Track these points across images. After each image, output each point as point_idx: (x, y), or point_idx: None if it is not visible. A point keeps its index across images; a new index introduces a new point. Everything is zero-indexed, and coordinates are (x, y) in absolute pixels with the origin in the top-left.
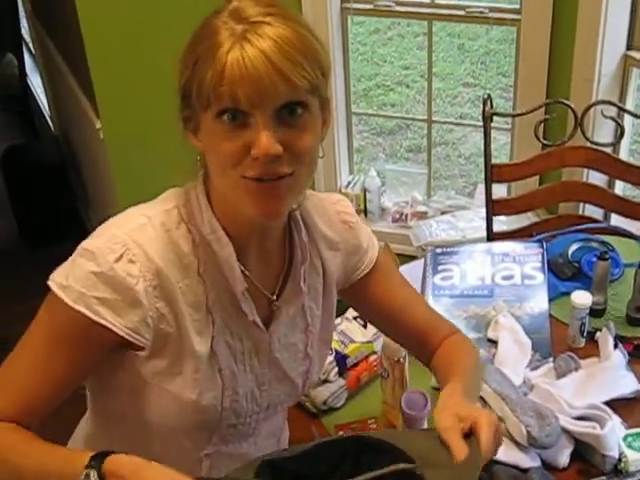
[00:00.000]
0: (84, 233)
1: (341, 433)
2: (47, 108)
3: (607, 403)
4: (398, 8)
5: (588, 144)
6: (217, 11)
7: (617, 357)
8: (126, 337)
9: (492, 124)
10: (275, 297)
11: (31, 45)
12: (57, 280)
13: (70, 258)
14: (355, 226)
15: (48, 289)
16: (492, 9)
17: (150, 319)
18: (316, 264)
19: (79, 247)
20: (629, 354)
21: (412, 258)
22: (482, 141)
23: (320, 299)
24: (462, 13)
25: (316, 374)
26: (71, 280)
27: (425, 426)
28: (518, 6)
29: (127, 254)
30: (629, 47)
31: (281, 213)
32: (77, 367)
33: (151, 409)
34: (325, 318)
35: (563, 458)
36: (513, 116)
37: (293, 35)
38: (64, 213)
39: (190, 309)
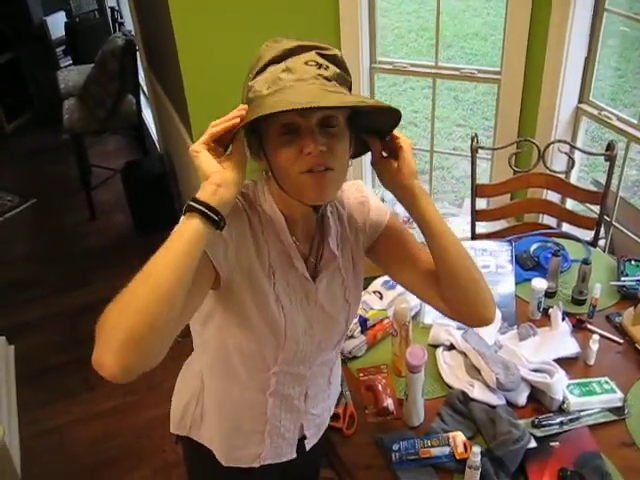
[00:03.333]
0: None
1: (361, 374)
2: (155, 134)
3: (556, 360)
4: (411, 68)
5: (547, 171)
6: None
7: (564, 327)
8: (213, 261)
9: (477, 155)
10: (318, 260)
11: (145, 88)
12: None
13: None
14: (365, 201)
15: None
16: (480, 71)
17: (230, 257)
18: (346, 235)
19: None
20: (573, 326)
21: None
22: (470, 167)
23: (351, 260)
24: (458, 73)
25: (354, 314)
26: None
27: (423, 373)
28: (499, 69)
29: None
30: (580, 101)
31: (326, 197)
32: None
33: (232, 334)
34: (357, 273)
35: (522, 399)
36: (493, 149)
37: None
38: (165, 211)
39: (258, 260)
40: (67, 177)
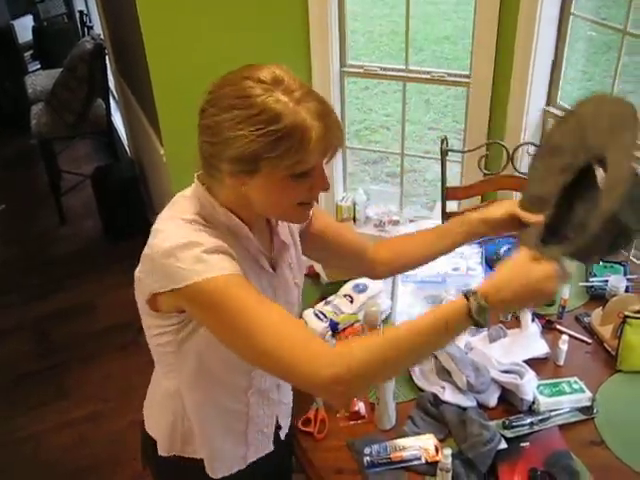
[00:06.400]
0: (150, 231)
1: None
2: (125, 139)
3: (525, 361)
4: (381, 72)
5: (517, 174)
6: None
7: (533, 328)
8: None
9: (447, 158)
10: (272, 252)
11: (115, 93)
12: (169, 281)
13: (153, 269)
14: None
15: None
16: (449, 74)
17: None
18: (288, 227)
19: (160, 253)
20: (542, 327)
21: None
22: (440, 170)
23: (293, 247)
24: (428, 76)
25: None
26: (182, 264)
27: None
28: (468, 72)
29: (198, 245)
30: (548, 104)
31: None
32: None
33: (217, 346)
34: (299, 255)
35: (492, 400)
36: (463, 152)
37: None
38: (136, 216)
39: None
40: (36, 183)
